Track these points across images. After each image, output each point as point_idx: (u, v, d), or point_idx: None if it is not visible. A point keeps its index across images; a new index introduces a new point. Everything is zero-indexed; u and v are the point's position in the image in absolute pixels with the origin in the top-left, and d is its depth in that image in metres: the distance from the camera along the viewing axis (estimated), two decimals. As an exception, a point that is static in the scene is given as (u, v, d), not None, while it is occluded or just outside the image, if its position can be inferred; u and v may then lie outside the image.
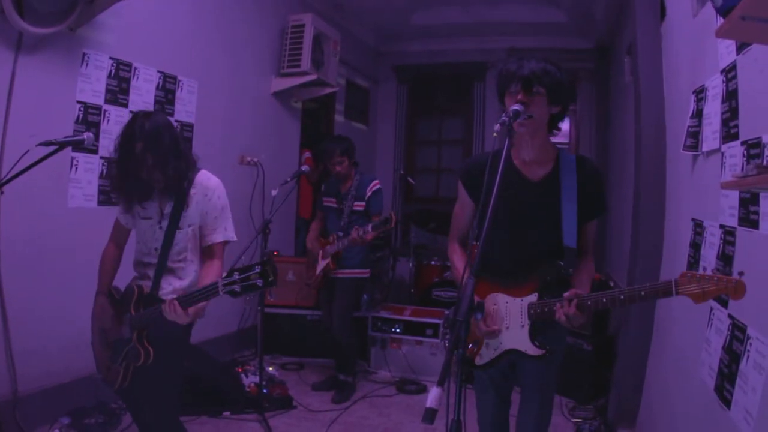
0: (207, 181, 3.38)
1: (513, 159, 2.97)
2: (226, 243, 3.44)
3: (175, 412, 3.49)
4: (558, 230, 2.85)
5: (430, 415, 1.92)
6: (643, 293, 2.48)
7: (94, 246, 3.62)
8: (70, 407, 4.50)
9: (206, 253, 3.44)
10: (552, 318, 2.71)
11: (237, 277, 2.85)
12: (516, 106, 2.59)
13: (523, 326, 2.83)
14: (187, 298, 3.03)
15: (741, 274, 2.24)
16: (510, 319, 2.87)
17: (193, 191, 3.33)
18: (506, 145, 2.47)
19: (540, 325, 2.82)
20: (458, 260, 3.17)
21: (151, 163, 3.17)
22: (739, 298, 2.28)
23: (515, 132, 2.70)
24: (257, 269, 2.82)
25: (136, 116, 3.23)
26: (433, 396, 1.94)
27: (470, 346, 2.97)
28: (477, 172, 2.86)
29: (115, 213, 3.50)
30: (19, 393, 4.26)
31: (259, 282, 2.82)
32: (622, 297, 2.53)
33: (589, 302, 2.61)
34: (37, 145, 3.04)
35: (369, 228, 5.33)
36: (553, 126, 2.94)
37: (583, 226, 2.91)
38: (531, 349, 2.81)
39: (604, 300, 2.58)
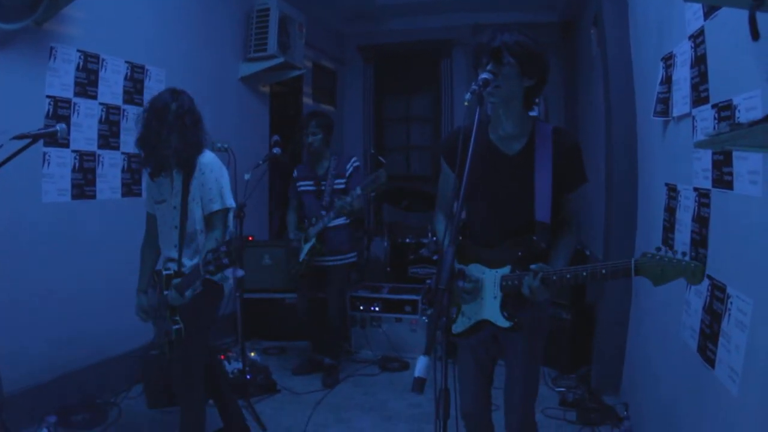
0: (202, 157, 3.74)
1: (489, 134, 2.96)
2: (226, 211, 3.77)
3: (199, 377, 3.81)
4: (531, 204, 2.86)
5: (419, 384, 1.94)
6: (604, 271, 2.50)
7: (71, 240, 3.64)
8: (56, 405, 4.46)
9: (207, 223, 3.76)
10: (520, 291, 2.74)
11: (210, 257, 3.24)
12: (485, 75, 2.58)
13: (495, 297, 2.85)
14: (179, 285, 3.46)
15: (701, 259, 2.27)
16: (484, 290, 2.89)
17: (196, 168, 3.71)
18: (477, 113, 2.47)
19: (513, 298, 2.83)
20: (441, 229, 3.18)
21: (190, 124, 3.69)
22: (697, 283, 2.33)
23: (486, 101, 2.71)
24: (224, 248, 3.23)
25: (175, 92, 3.80)
26: (420, 365, 1.96)
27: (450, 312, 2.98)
28: (455, 144, 2.85)
29: (95, 208, 3.57)
30: (4, 394, 4.21)
31: (226, 260, 3.23)
32: (584, 274, 2.57)
33: (554, 277, 2.62)
34: (11, 139, 3.02)
35: (358, 190, 5.25)
36: (529, 101, 2.91)
37: (564, 198, 2.90)
38: (500, 321, 2.82)
39: (568, 276, 2.60)
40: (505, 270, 2.84)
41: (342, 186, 5.68)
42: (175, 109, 3.68)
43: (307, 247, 5.68)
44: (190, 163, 3.70)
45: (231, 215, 3.89)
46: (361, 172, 5.82)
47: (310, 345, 6.16)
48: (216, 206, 3.71)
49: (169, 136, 3.62)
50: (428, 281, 3.27)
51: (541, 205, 2.83)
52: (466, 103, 2.45)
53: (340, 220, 5.61)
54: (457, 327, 2.98)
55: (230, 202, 3.77)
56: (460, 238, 3.06)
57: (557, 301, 5.70)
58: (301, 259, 5.71)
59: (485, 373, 3.20)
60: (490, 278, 2.88)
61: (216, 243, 3.60)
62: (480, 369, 3.16)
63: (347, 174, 5.72)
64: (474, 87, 2.49)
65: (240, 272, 3.66)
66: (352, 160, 5.81)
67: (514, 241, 2.87)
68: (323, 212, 5.59)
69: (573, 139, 2.95)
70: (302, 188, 5.88)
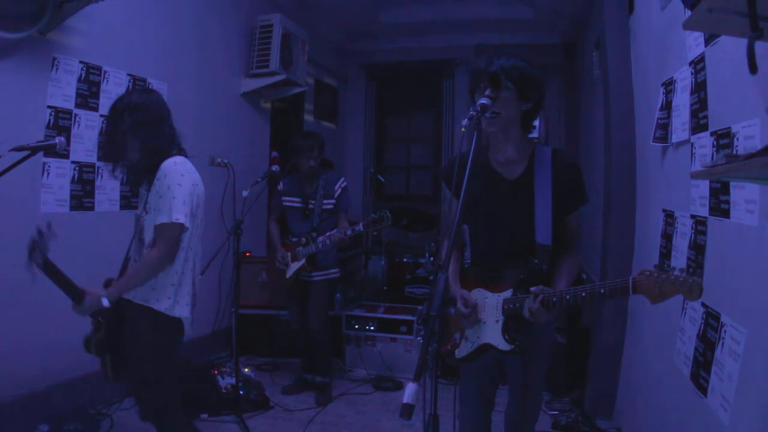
0: (164, 163, 3.24)
1: (490, 161, 2.98)
2: (174, 227, 3.19)
3: (172, 411, 3.51)
4: (532, 227, 2.85)
5: (407, 411, 1.93)
6: (602, 291, 2.46)
7: (68, 251, 3.59)
8: (48, 414, 4.45)
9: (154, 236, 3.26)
10: (521, 313, 2.73)
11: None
12: (484, 100, 2.57)
13: (497, 321, 2.86)
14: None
15: (697, 272, 2.24)
16: (487, 314, 2.90)
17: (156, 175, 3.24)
18: (474, 138, 2.46)
19: (516, 322, 2.82)
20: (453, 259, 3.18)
21: (145, 125, 3.28)
22: (694, 299, 2.27)
23: (485, 129, 2.72)
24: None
25: (128, 92, 3.53)
26: (409, 391, 1.95)
27: (454, 338, 3.00)
28: (455, 171, 2.85)
29: (93, 220, 3.51)
30: (-4, 402, 4.20)
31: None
32: (583, 294, 2.54)
33: (554, 299, 2.61)
34: (9, 151, 3.02)
35: (360, 227, 5.23)
36: (526, 124, 2.94)
37: (564, 219, 2.90)
38: (501, 344, 2.82)
39: (567, 297, 2.59)
40: (507, 293, 2.86)
41: (330, 206, 5.69)
42: (126, 110, 3.27)
43: (295, 266, 5.65)
44: (152, 169, 3.24)
45: (192, 236, 3.35)
46: (348, 193, 5.82)
47: (300, 364, 6.11)
48: (162, 218, 3.16)
49: (125, 143, 3.28)
50: (419, 307, 3.23)
51: (542, 228, 2.84)
52: (463, 129, 2.44)
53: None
54: (461, 352, 3.00)
55: (178, 217, 3.17)
56: (469, 262, 3.09)
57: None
58: (288, 276, 5.70)
59: (487, 398, 3.22)
60: (493, 302, 2.90)
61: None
62: (482, 393, 3.19)
63: (335, 195, 5.70)
64: (472, 112, 2.49)
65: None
66: (340, 180, 5.78)
67: (516, 265, 2.88)
68: (314, 234, 5.57)
69: (572, 161, 2.97)
70: (287, 203, 5.86)
